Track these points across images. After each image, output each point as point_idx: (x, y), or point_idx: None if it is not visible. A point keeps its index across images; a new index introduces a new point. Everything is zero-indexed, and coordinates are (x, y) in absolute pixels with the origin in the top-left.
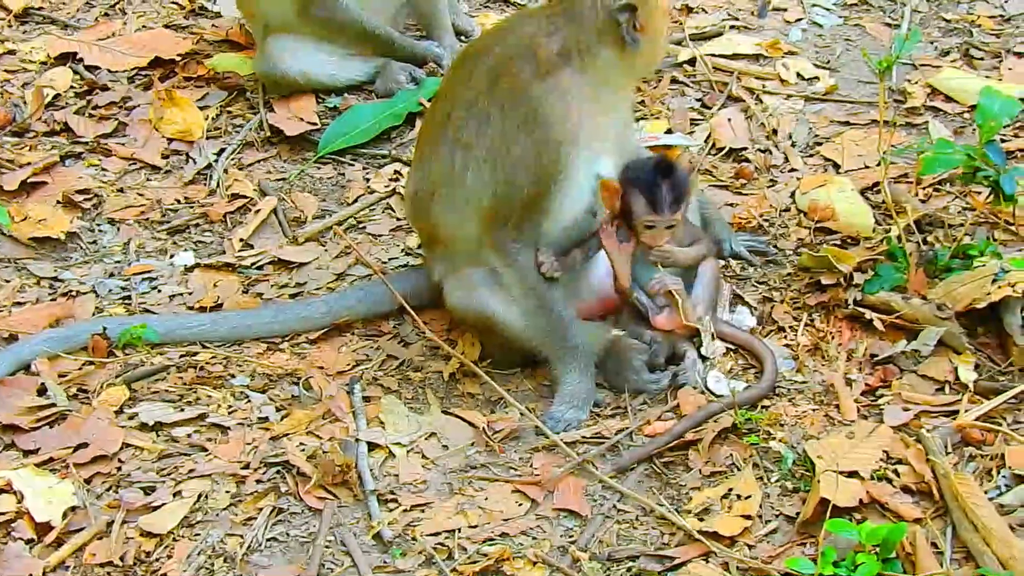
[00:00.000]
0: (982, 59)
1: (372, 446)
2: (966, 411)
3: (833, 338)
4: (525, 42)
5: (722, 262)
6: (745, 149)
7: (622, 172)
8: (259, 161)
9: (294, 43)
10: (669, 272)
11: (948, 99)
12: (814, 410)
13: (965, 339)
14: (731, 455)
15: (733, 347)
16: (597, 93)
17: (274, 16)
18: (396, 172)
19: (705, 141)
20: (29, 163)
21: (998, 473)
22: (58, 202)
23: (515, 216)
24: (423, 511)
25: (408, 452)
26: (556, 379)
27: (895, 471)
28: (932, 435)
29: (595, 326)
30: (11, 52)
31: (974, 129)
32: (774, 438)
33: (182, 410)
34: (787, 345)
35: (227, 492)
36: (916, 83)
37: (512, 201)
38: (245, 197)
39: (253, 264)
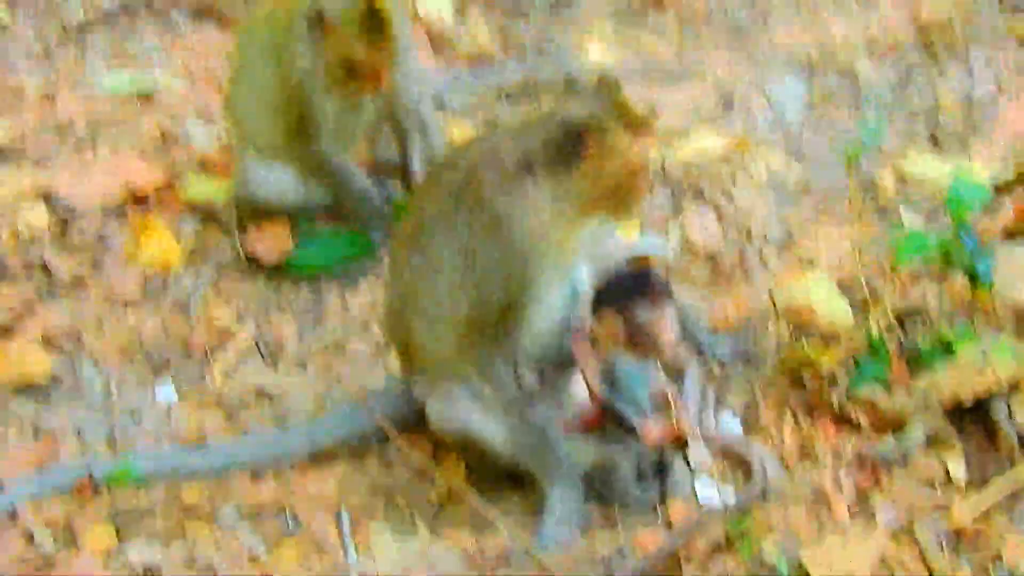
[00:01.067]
0: (949, 143)
1: None
2: (959, 507)
3: (819, 439)
4: (491, 153)
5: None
6: (719, 248)
7: (603, 299)
8: (236, 287)
9: (272, 167)
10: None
11: (918, 186)
12: (806, 514)
13: (952, 432)
14: (725, 565)
15: (720, 454)
16: (560, 207)
17: (260, 135)
18: (373, 293)
19: (678, 243)
20: (6, 304)
21: (995, 569)
22: (37, 342)
23: (489, 329)
24: None
25: None
26: (543, 497)
27: (892, 574)
28: (926, 534)
29: (580, 440)
30: None
31: (947, 214)
32: (766, 546)
33: (170, 549)
34: (774, 448)
35: None
36: (886, 171)
37: (485, 314)
38: (224, 326)
39: (235, 395)
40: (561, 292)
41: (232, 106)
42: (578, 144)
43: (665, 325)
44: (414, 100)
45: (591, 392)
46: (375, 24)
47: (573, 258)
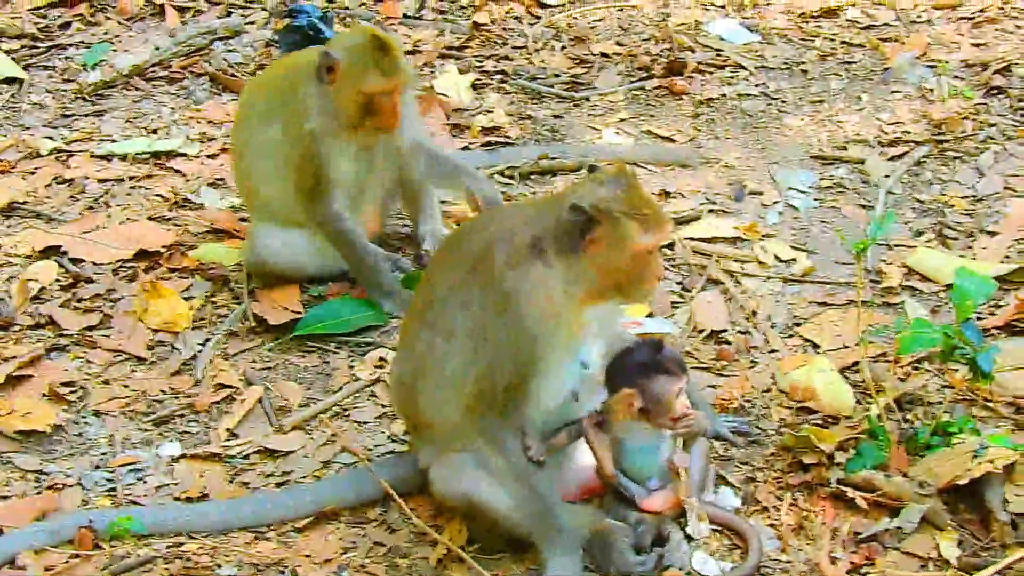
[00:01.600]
0: (955, 238)
1: None
2: None
3: (816, 517)
4: (505, 230)
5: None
6: (725, 331)
7: (618, 372)
8: (244, 351)
9: (284, 234)
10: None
11: (924, 278)
12: None
13: (947, 516)
14: None
15: (718, 528)
16: (569, 289)
17: (271, 198)
18: (381, 359)
19: (686, 324)
20: (14, 356)
21: None
22: (43, 395)
23: (498, 402)
24: None
25: None
26: (543, 563)
27: None
28: None
29: (581, 509)
30: None
31: (950, 307)
32: None
33: None
34: (771, 524)
35: None
36: (892, 263)
37: (493, 387)
38: (230, 387)
39: (239, 453)
40: (569, 369)
41: (242, 170)
42: (587, 229)
43: (679, 397)
44: (424, 172)
45: (601, 469)
46: (382, 53)
47: (582, 336)
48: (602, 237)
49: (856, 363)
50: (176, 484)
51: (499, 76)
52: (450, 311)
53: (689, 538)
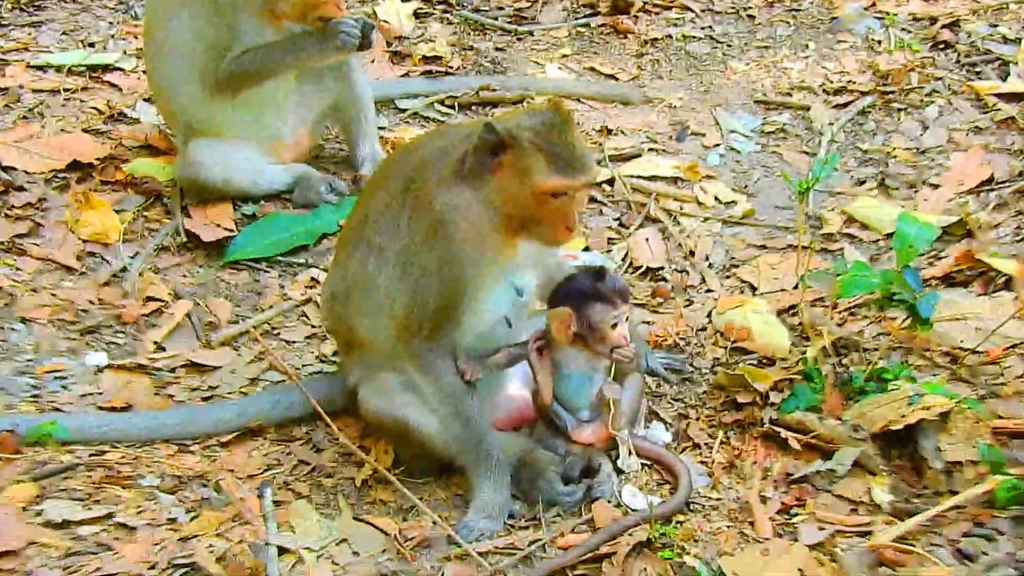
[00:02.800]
0: (897, 188)
1: (282, 550)
2: (880, 532)
3: (748, 456)
4: (438, 149)
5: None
6: (662, 269)
7: (558, 298)
8: (174, 266)
9: (215, 147)
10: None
11: (864, 227)
12: (728, 527)
13: (880, 461)
14: (645, 570)
15: (648, 462)
16: (487, 213)
17: (192, 107)
18: (312, 280)
19: (623, 260)
20: None
21: None
22: None
23: (427, 325)
24: None
25: (318, 557)
26: (471, 488)
27: None
28: (847, 555)
29: (510, 437)
30: None
31: (889, 257)
32: (688, 553)
33: (90, 509)
34: (703, 462)
35: None
36: (832, 210)
37: (422, 310)
38: (159, 300)
39: (165, 367)
40: (500, 294)
41: (159, 79)
42: (496, 152)
43: (617, 327)
44: (366, 93)
45: (540, 395)
46: None
47: (512, 261)
48: (508, 164)
49: (793, 307)
50: (101, 394)
51: (442, 6)
52: (382, 229)
53: (619, 471)
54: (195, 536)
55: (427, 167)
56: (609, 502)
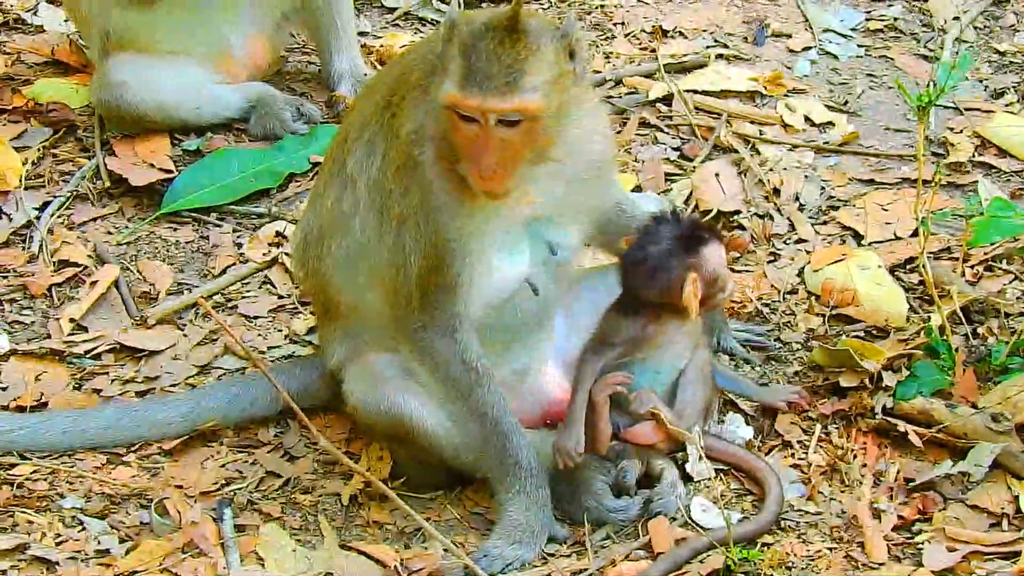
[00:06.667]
0: None
1: None
2: None
3: (855, 457)
4: (421, 61)
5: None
6: (738, 213)
7: (650, 260)
8: (95, 219)
9: (143, 64)
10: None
11: (1003, 153)
12: (831, 549)
13: None
14: None
15: (724, 467)
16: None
17: (111, 9)
18: (278, 235)
19: (685, 202)
20: None
21: None
22: None
23: (416, 293)
24: None
25: None
26: (500, 506)
27: None
28: None
29: (543, 437)
30: None
31: None
32: None
33: None
34: (795, 465)
35: None
36: (962, 132)
37: (407, 272)
38: (77, 265)
39: (87, 352)
40: (517, 253)
41: None
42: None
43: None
44: None
45: (597, 440)
46: None
47: (532, 209)
48: (443, 64)
49: (912, 259)
50: (4, 389)
51: None
52: (357, 156)
53: (687, 479)
54: (133, 573)
55: (407, 80)
56: (674, 519)
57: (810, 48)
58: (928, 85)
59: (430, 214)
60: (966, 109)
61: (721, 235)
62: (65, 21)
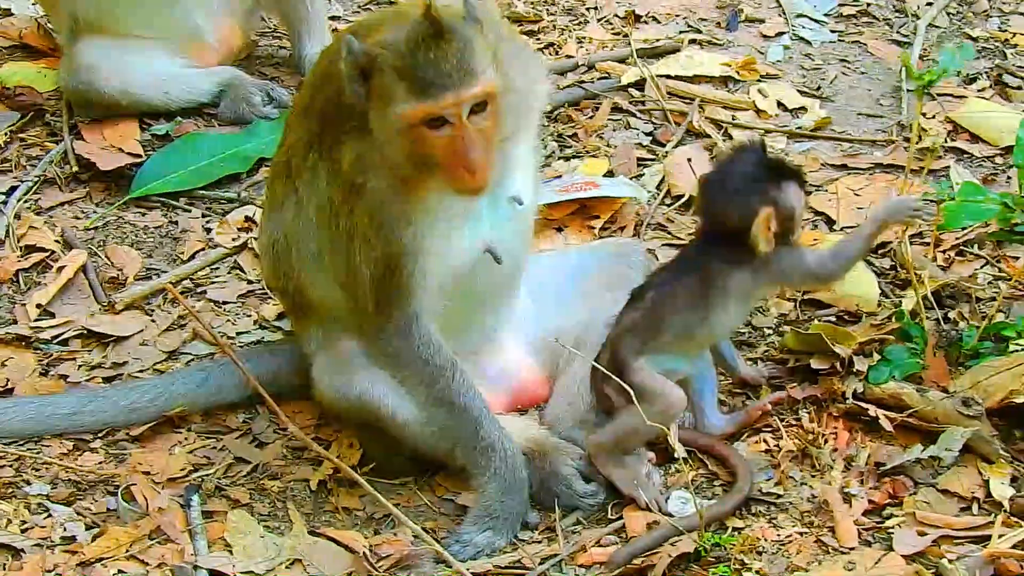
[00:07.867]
0: (1019, 88)
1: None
2: (1000, 536)
3: (826, 441)
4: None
5: None
6: None
7: (727, 186)
8: (63, 204)
9: (112, 48)
10: None
11: (975, 138)
12: (801, 533)
13: (998, 444)
14: None
15: (691, 451)
16: (393, 160)
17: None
18: (247, 220)
19: (657, 187)
20: None
21: None
22: None
23: (370, 299)
24: None
25: None
26: (479, 492)
27: None
28: (956, 567)
29: (513, 422)
30: None
31: (1009, 177)
32: (750, 569)
33: None
34: (767, 451)
35: None
36: (933, 117)
37: (360, 280)
38: (44, 250)
39: (54, 338)
40: (473, 230)
41: None
42: (366, 79)
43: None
44: None
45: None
46: None
47: (492, 184)
48: (376, 94)
49: (885, 244)
50: None
51: None
52: (303, 174)
53: (660, 464)
54: (99, 560)
55: (338, 112)
56: (645, 503)
57: (783, 33)
58: (900, 73)
59: (380, 229)
60: (939, 95)
61: (805, 181)
62: (33, 4)
